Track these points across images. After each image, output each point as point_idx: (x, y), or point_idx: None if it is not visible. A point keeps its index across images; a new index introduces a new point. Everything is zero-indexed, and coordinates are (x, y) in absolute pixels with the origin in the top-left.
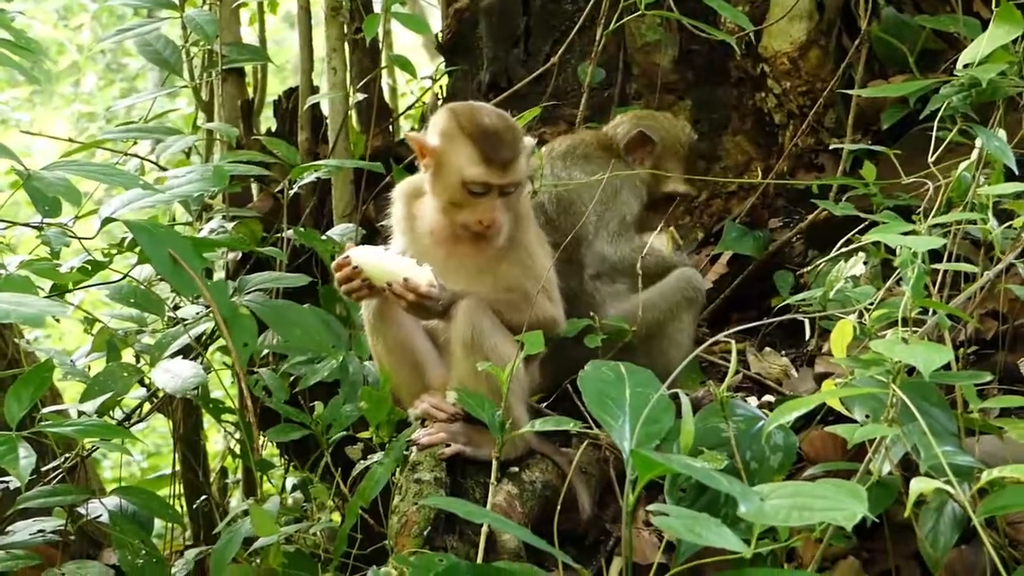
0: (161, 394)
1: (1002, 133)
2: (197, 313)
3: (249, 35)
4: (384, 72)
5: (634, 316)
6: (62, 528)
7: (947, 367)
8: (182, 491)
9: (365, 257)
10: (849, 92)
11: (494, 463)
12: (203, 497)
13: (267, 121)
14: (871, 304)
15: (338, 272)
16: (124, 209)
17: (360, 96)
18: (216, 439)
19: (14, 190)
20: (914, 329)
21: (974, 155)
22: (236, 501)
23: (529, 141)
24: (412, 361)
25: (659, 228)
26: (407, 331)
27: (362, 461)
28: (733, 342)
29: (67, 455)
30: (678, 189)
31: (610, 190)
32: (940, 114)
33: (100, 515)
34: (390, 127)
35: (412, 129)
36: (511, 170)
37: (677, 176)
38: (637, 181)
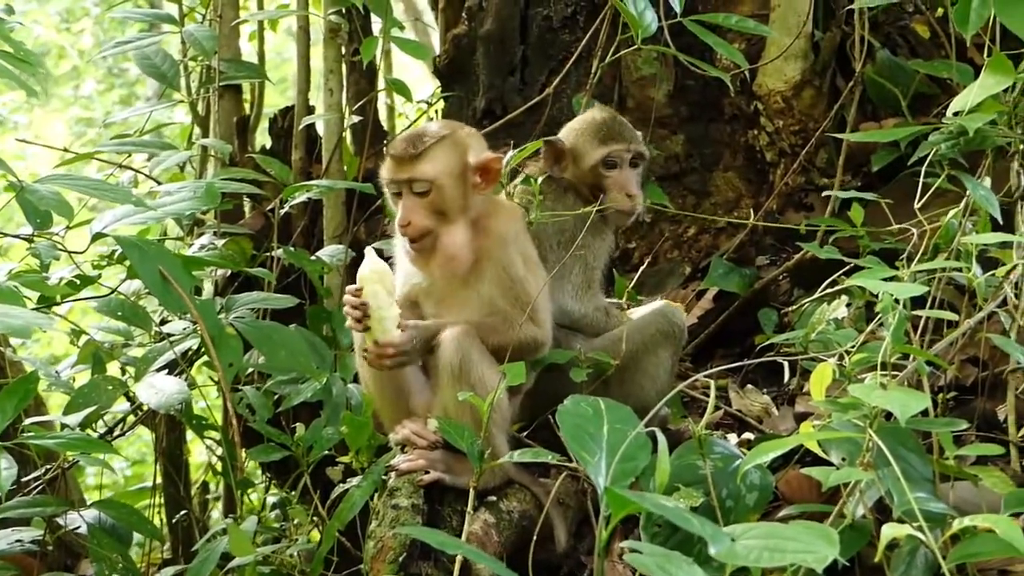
0: (145, 408)
1: (988, 181)
2: (184, 329)
3: (249, 50)
4: (382, 93)
5: (604, 350)
6: (40, 539)
7: (924, 413)
8: (163, 504)
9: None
10: (840, 136)
11: (471, 492)
12: (183, 511)
13: (263, 137)
14: (852, 347)
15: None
16: (115, 224)
17: (356, 118)
18: (199, 451)
19: (9, 198)
20: (893, 374)
21: (963, 203)
22: (217, 515)
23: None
24: (398, 385)
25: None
26: None
27: (341, 484)
28: (712, 381)
29: (48, 466)
30: (595, 157)
31: (568, 234)
32: (928, 160)
33: (79, 527)
34: (384, 149)
35: None
36: (406, 167)
37: (593, 150)
38: (585, 211)
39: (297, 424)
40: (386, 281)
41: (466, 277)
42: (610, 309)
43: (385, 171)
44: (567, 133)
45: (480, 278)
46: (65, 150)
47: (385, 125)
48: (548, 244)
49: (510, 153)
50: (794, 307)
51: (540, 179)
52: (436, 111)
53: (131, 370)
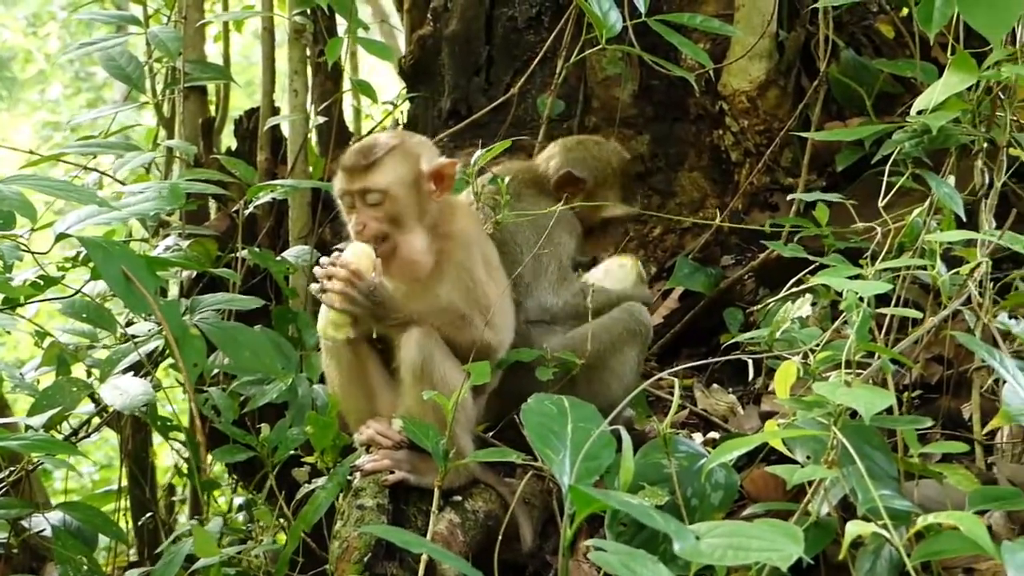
0: (111, 409)
1: (952, 180)
2: (149, 330)
3: (215, 52)
4: (348, 94)
5: (570, 349)
6: (5, 541)
7: (889, 411)
8: (129, 506)
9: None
10: (804, 135)
11: (436, 492)
12: (149, 514)
13: (228, 139)
14: (817, 346)
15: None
16: (79, 225)
17: (321, 119)
18: (166, 453)
19: None
20: (858, 372)
21: (927, 201)
22: (184, 518)
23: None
24: (363, 385)
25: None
26: (362, 355)
27: (307, 484)
28: (676, 379)
29: (13, 468)
30: (615, 214)
31: (543, 232)
32: (893, 159)
33: (44, 529)
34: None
35: None
36: (358, 177)
37: (612, 202)
38: (570, 215)
39: (262, 425)
40: (364, 262)
41: (427, 280)
42: (584, 289)
43: (338, 183)
44: (586, 163)
45: (441, 280)
46: (31, 152)
47: (351, 126)
48: (525, 244)
49: (477, 153)
50: (759, 306)
51: (507, 179)
52: (402, 112)
53: (96, 372)
